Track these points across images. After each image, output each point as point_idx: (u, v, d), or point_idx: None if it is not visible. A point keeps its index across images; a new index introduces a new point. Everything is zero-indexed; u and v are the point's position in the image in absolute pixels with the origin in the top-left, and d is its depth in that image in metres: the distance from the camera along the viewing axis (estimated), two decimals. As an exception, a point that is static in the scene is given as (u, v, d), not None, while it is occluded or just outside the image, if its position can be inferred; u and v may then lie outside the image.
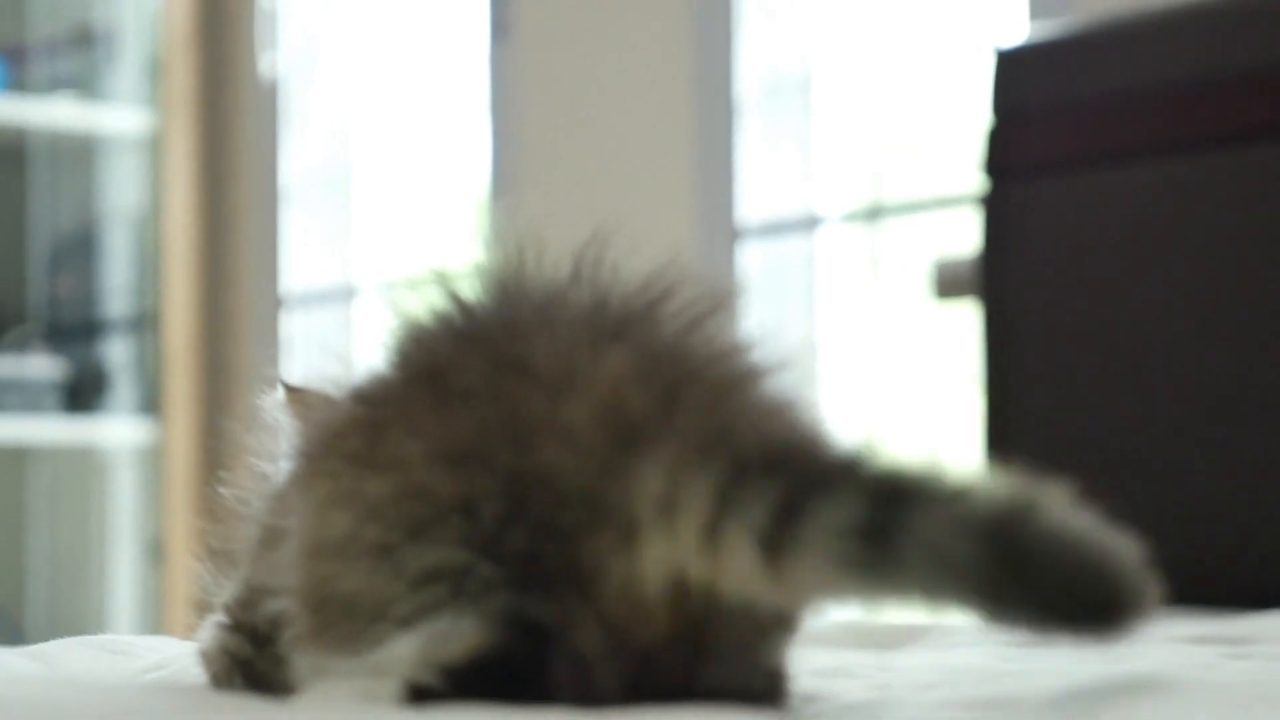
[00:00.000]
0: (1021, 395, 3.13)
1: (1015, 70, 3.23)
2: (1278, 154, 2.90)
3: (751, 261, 4.30)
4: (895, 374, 4.19)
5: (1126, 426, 2.78)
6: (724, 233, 4.30)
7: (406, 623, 0.99)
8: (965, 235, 3.69)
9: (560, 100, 4.65)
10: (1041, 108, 3.19)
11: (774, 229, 4.28)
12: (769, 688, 1.07)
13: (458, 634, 0.98)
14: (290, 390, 1.23)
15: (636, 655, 0.98)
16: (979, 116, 3.37)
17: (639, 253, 4.45)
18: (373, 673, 1.00)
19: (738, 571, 0.96)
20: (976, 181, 3.32)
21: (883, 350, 4.21)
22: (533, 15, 4.71)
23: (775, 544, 0.95)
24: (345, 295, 5.20)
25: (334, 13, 5.31)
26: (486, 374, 1.05)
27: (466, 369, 1.05)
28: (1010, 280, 3.19)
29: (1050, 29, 3.37)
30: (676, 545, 0.97)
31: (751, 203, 4.31)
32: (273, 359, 5.18)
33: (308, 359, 5.26)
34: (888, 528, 0.95)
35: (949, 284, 3.55)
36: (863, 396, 4.23)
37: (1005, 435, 3.16)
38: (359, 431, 1.04)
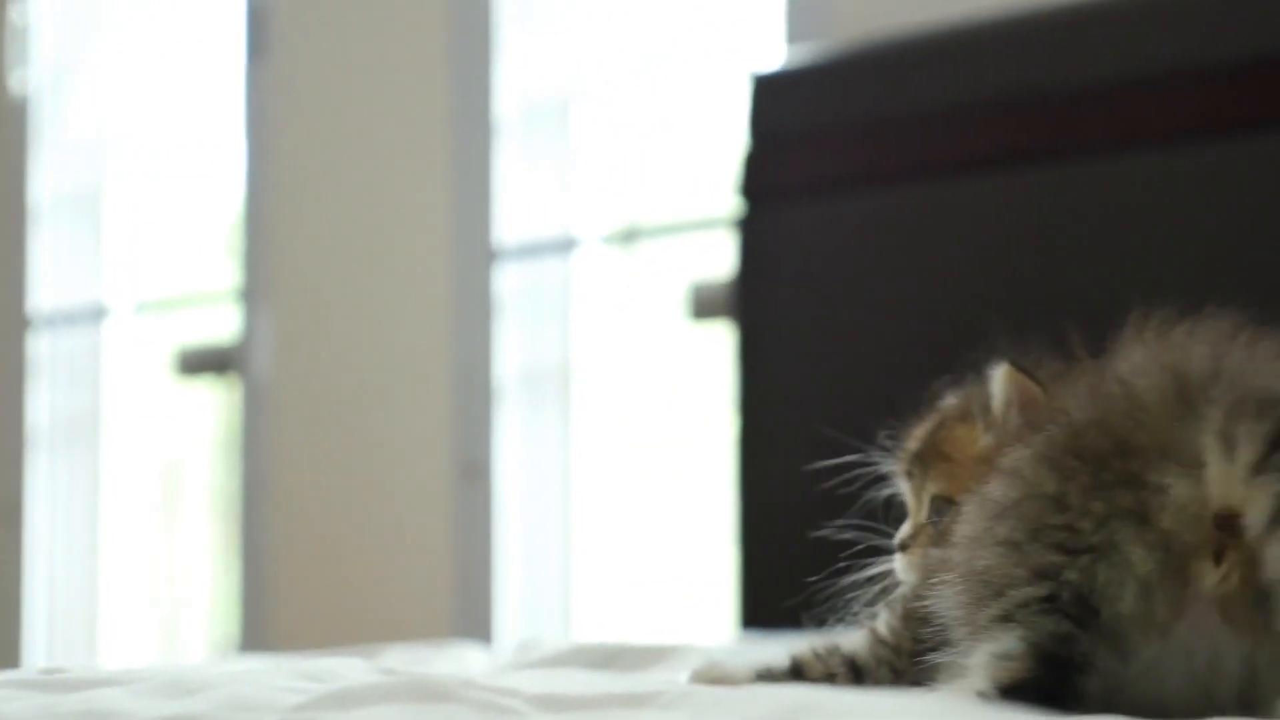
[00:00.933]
0: (774, 415, 3.17)
1: (771, 95, 3.29)
2: (1023, 179, 2.98)
3: (509, 282, 4.31)
4: (651, 394, 4.22)
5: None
6: (481, 253, 4.30)
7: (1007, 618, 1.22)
8: (721, 258, 3.74)
9: (317, 120, 4.62)
10: (797, 132, 3.24)
11: (531, 250, 4.30)
12: None
13: (1009, 659, 1.21)
14: (1014, 369, 1.45)
15: (1186, 576, 1.18)
16: (735, 141, 3.42)
17: (396, 272, 4.44)
18: (959, 674, 1.25)
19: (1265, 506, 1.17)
20: (732, 205, 3.36)
21: (638, 371, 4.24)
22: (290, 34, 4.67)
23: None
24: (96, 315, 5.11)
25: (88, 30, 5.23)
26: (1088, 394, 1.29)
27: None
28: (764, 302, 3.24)
29: (806, 55, 3.42)
30: (1232, 473, 1.18)
31: (509, 224, 4.32)
32: (17, 378, 5.08)
33: (54, 379, 5.16)
34: None
35: (704, 305, 3.60)
36: (618, 416, 4.25)
37: (757, 454, 3.20)
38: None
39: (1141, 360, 1.27)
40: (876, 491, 1.57)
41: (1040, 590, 1.21)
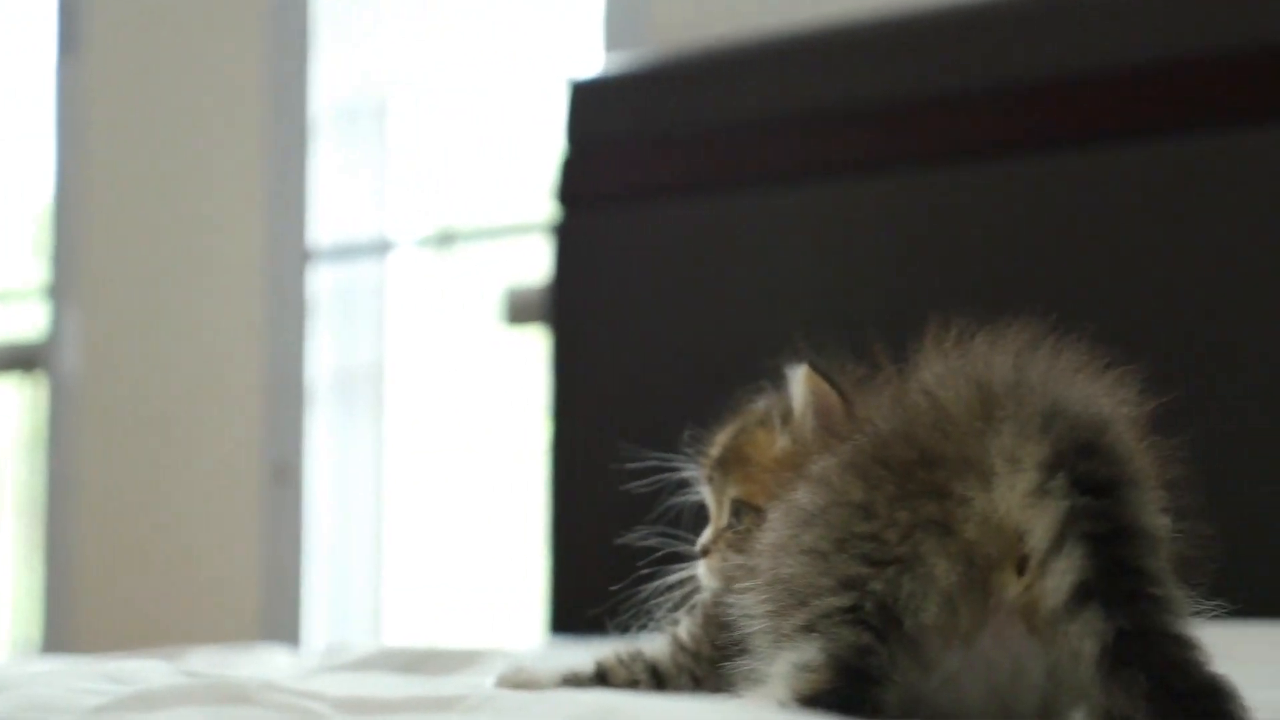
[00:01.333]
0: (586, 421, 3.18)
1: (588, 102, 3.30)
2: (831, 189, 3.02)
3: (323, 284, 4.28)
4: (465, 399, 4.21)
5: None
6: (295, 254, 4.27)
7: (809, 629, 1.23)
8: (536, 263, 3.74)
9: (129, 116, 4.56)
10: (613, 139, 3.25)
11: (346, 252, 4.28)
12: None
13: (809, 670, 1.21)
14: (812, 373, 1.46)
15: (989, 588, 1.19)
16: (552, 146, 3.43)
17: (209, 271, 4.39)
18: (760, 681, 1.25)
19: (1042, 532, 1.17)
20: (548, 210, 3.37)
21: (452, 375, 4.23)
22: (103, 31, 4.61)
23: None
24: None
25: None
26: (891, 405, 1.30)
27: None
28: (579, 308, 3.25)
29: (623, 62, 3.44)
30: (1014, 494, 1.19)
31: (324, 225, 4.29)
32: None
33: None
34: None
35: (519, 310, 3.60)
36: (432, 421, 4.24)
37: (569, 460, 3.21)
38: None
39: (944, 371, 1.28)
40: (680, 497, 1.58)
41: (844, 600, 1.22)
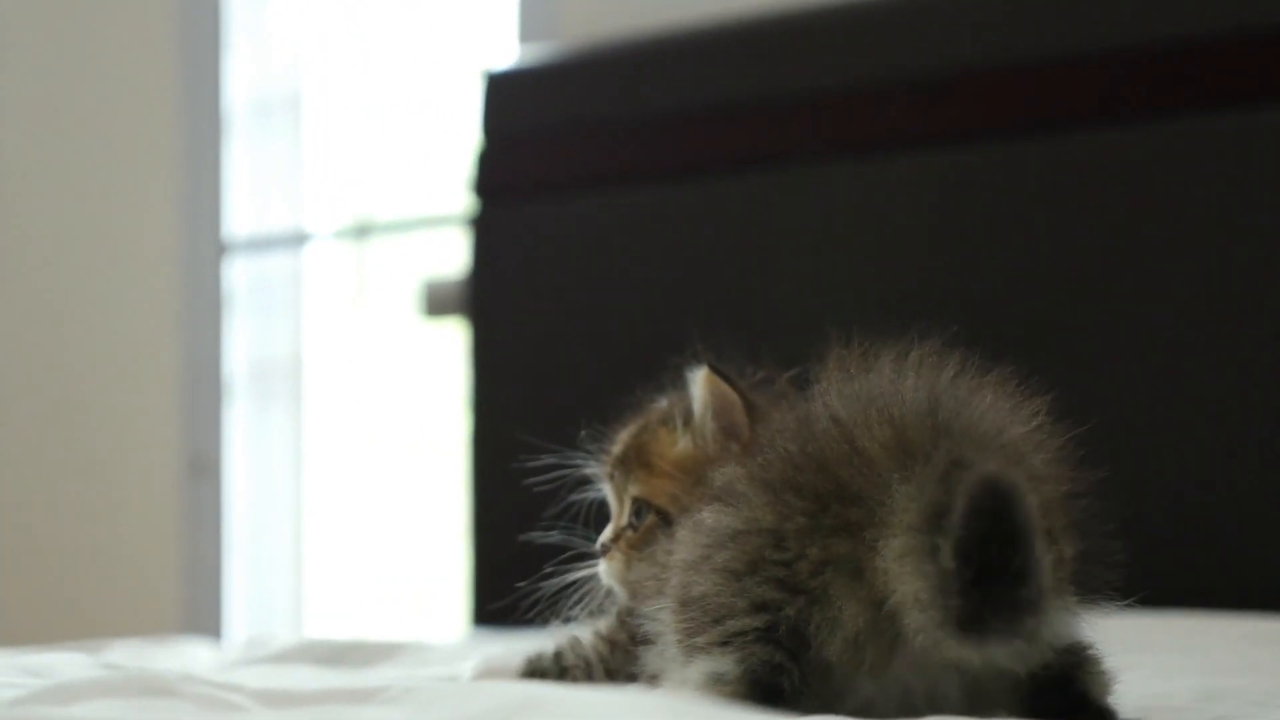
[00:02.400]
0: (505, 414, 3.18)
1: (503, 94, 3.30)
2: (748, 182, 3.03)
3: (238, 276, 4.27)
4: (383, 391, 4.21)
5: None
6: (211, 246, 4.25)
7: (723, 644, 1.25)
8: (453, 255, 3.74)
9: (41, 109, 4.53)
10: (529, 131, 3.26)
11: (262, 244, 4.26)
12: None
13: (724, 682, 1.23)
14: (712, 374, 1.48)
15: (898, 628, 1.19)
16: (468, 138, 3.43)
17: (123, 264, 4.35)
18: (681, 684, 1.27)
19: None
20: (465, 202, 3.37)
21: (370, 367, 4.23)
22: (12, 21, 4.57)
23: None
24: None
25: None
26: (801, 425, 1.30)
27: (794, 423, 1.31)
28: (496, 300, 3.25)
29: (537, 54, 3.44)
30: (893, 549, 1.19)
31: (239, 217, 4.28)
32: None
33: None
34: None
35: (437, 303, 3.60)
36: (350, 413, 4.23)
37: (488, 453, 3.21)
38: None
39: (857, 398, 1.28)
40: (581, 494, 1.60)
41: (758, 622, 1.24)
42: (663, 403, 1.57)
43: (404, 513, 4.16)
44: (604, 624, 1.52)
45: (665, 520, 1.48)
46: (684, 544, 1.32)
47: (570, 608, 1.54)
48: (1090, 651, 1.27)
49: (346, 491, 4.24)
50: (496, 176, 3.25)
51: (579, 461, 1.58)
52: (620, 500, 1.54)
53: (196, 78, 4.28)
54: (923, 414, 1.24)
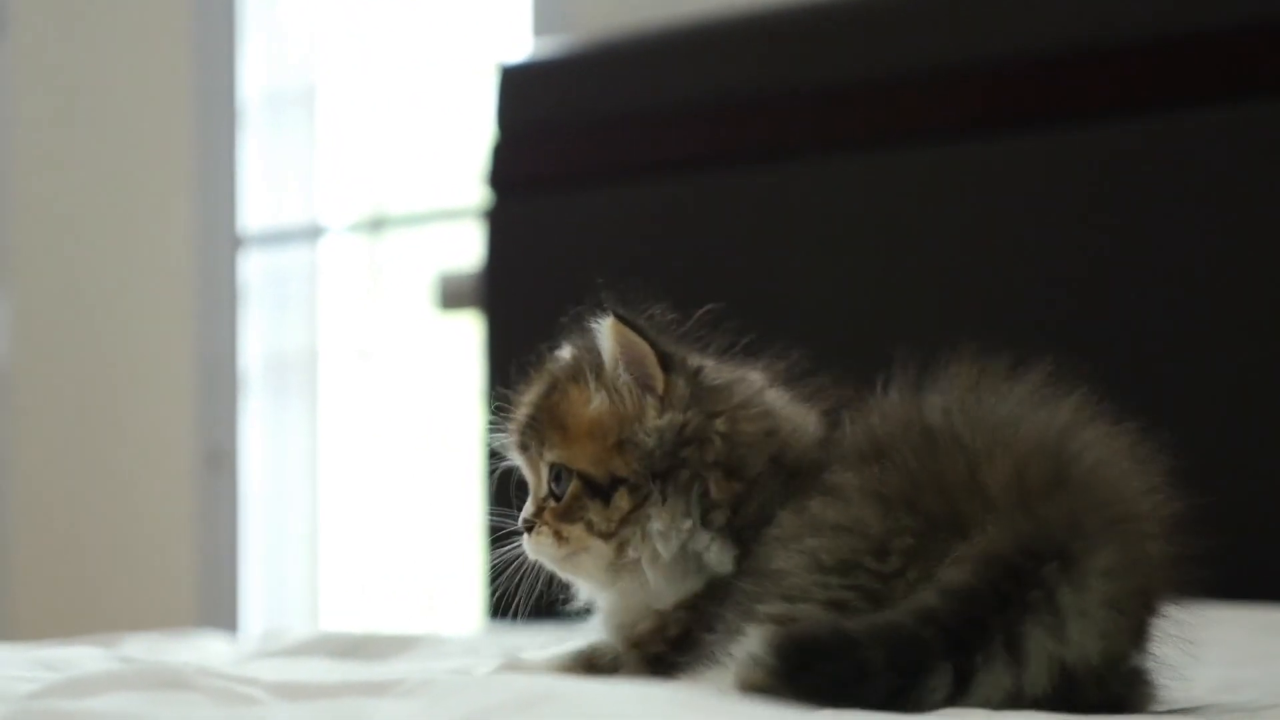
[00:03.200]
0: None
1: (518, 87, 3.30)
2: (765, 175, 3.03)
3: (253, 270, 4.27)
4: (397, 384, 4.21)
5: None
6: (226, 240, 4.26)
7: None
8: (468, 248, 3.74)
9: (57, 101, 4.53)
10: (544, 124, 3.25)
11: (277, 237, 4.27)
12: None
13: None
14: (618, 322, 1.41)
15: None
16: (483, 131, 3.43)
17: (140, 257, 4.35)
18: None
19: None
20: (480, 195, 3.37)
21: (385, 361, 4.23)
22: (29, 14, 4.58)
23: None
24: None
25: None
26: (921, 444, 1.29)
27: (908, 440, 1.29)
28: (512, 293, 3.25)
29: (552, 47, 3.44)
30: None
31: (254, 211, 4.28)
32: None
33: None
34: None
35: (452, 296, 3.60)
36: (364, 407, 4.24)
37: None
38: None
39: (981, 422, 1.28)
40: (493, 466, 1.51)
41: (823, 617, 1.22)
42: (564, 357, 1.49)
43: (419, 506, 4.16)
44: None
45: (591, 486, 1.41)
46: (780, 524, 1.30)
47: (527, 591, 1.46)
48: (1145, 676, 1.30)
49: (361, 485, 4.24)
50: (511, 170, 3.25)
51: (493, 434, 1.50)
52: (536, 469, 1.45)
53: (211, 72, 4.29)
54: (1046, 455, 1.25)
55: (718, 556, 1.38)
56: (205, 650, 2.23)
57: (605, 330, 1.43)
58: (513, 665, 1.49)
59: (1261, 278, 2.60)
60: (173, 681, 1.26)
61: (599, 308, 1.43)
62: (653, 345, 1.42)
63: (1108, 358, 2.65)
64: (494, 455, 1.51)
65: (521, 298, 3.24)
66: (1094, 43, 2.76)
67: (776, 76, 3.04)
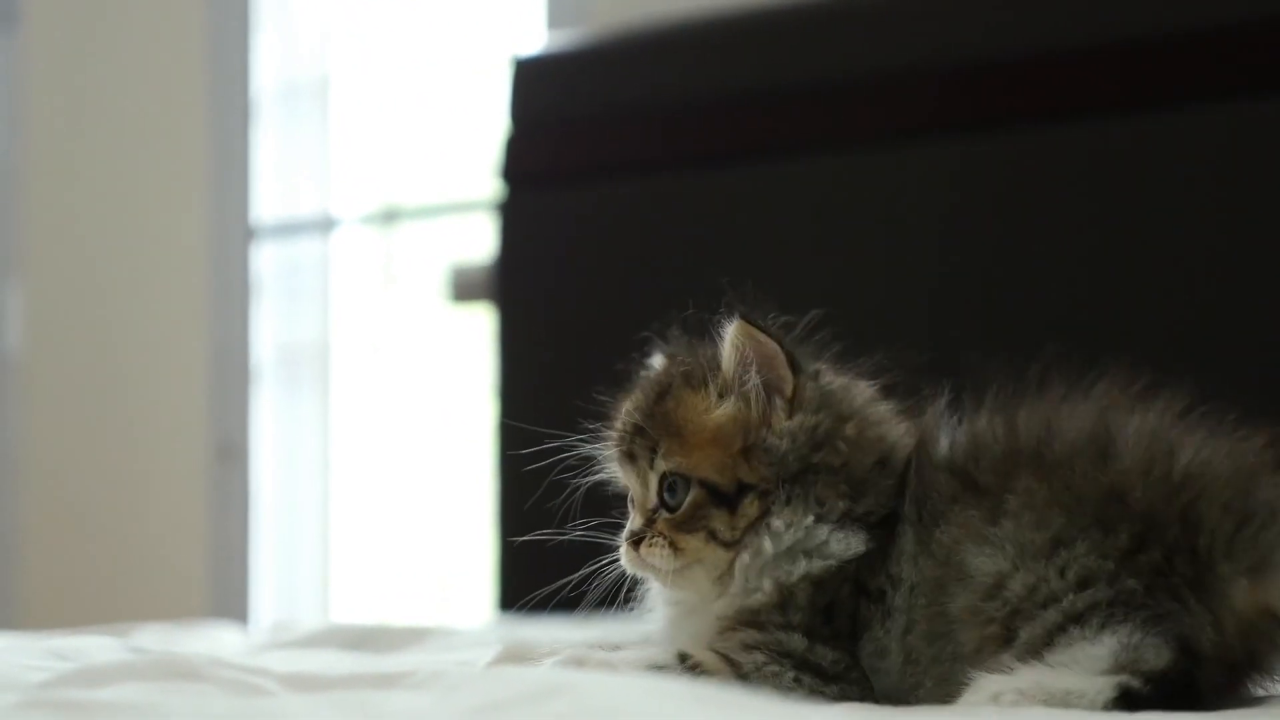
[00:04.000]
0: (532, 399, 3.18)
1: (531, 80, 3.29)
2: (780, 170, 3.03)
3: (266, 261, 4.28)
4: (409, 377, 4.21)
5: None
6: (239, 232, 4.26)
7: (1074, 619, 1.25)
8: (481, 241, 3.74)
9: (70, 93, 4.54)
10: (557, 118, 3.25)
11: (290, 229, 4.27)
12: None
13: (1151, 649, 1.24)
14: (747, 324, 1.40)
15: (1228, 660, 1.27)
16: (496, 124, 3.43)
17: (152, 248, 4.34)
18: (1055, 669, 1.24)
19: None
20: (493, 188, 3.36)
21: (397, 353, 4.23)
22: (44, 7, 4.58)
23: None
24: None
25: None
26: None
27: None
28: (524, 286, 3.25)
29: (566, 40, 3.44)
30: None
31: (268, 202, 4.28)
32: None
33: None
34: None
35: (465, 288, 3.59)
36: (376, 399, 4.24)
37: (517, 436, 3.20)
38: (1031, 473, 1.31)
39: (1195, 446, 1.31)
40: (582, 477, 1.47)
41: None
42: (657, 368, 1.46)
43: (430, 498, 4.17)
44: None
45: (716, 495, 1.38)
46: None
47: (593, 596, 1.43)
48: None
49: (373, 477, 4.25)
50: (524, 163, 3.24)
51: (577, 442, 1.46)
52: (644, 479, 1.41)
53: (225, 63, 4.29)
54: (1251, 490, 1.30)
55: (844, 544, 1.37)
56: (216, 641, 2.23)
57: (732, 332, 1.41)
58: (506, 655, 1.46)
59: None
60: (184, 672, 1.26)
61: (725, 311, 1.41)
62: (781, 346, 1.40)
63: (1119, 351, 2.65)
64: (584, 463, 1.46)
65: (533, 291, 3.24)
66: (1084, 41, 2.75)
67: (793, 71, 3.04)
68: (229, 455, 4.22)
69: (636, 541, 1.41)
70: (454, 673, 1.26)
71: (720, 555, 1.39)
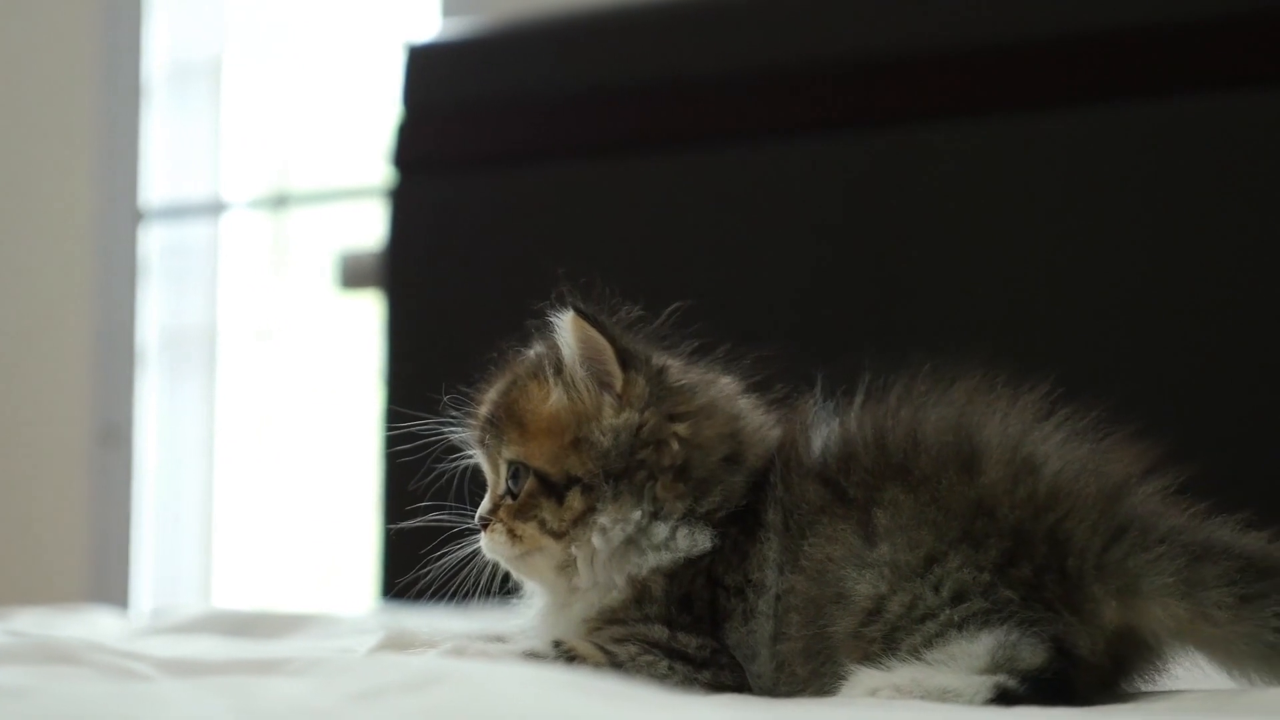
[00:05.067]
0: (419, 387, 3.17)
1: (424, 66, 3.29)
2: (668, 161, 3.04)
3: (154, 244, 4.24)
4: (298, 362, 4.19)
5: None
6: (127, 213, 4.22)
7: (954, 627, 1.27)
8: (372, 227, 3.73)
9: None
10: (449, 105, 3.25)
11: (179, 212, 4.23)
12: None
13: (1028, 648, 1.25)
14: (579, 317, 1.40)
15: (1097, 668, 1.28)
16: (389, 110, 3.42)
17: (38, 229, 4.28)
18: (933, 667, 1.26)
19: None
20: (384, 174, 3.36)
21: (285, 339, 4.21)
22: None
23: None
24: None
25: None
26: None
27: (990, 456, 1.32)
28: (414, 273, 3.24)
29: (460, 27, 3.43)
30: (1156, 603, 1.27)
31: (156, 185, 4.25)
32: None
33: None
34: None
35: (354, 275, 3.58)
36: (264, 384, 4.22)
37: (401, 426, 3.19)
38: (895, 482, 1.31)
39: (1047, 449, 1.32)
40: (450, 462, 1.49)
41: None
42: (529, 356, 1.47)
43: (316, 485, 4.15)
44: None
45: (547, 485, 1.40)
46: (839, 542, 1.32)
47: (471, 584, 1.44)
48: None
49: (258, 463, 4.22)
50: (416, 149, 3.24)
51: (448, 428, 1.47)
52: (495, 466, 1.44)
53: (116, 43, 4.25)
54: (1128, 502, 1.31)
55: (690, 540, 1.37)
56: (96, 626, 2.21)
57: (565, 325, 1.41)
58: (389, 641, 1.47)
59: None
60: (62, 656, 1.25)
61: (559, 301, 1.41)
62: (612, 342, 1.40)
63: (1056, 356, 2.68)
64: (452, 450, 1.48)
65: (423, 278, 3.23)
66: (1013, 36, 2.78)
67: (682, 63, 3.05)
68: (112, 439, 4.19)
69: (485, 526, 1.43)
70: (334, 660, 1.26)
71: (554, 545, 1.40)
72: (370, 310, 3.66)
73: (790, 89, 2.94)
